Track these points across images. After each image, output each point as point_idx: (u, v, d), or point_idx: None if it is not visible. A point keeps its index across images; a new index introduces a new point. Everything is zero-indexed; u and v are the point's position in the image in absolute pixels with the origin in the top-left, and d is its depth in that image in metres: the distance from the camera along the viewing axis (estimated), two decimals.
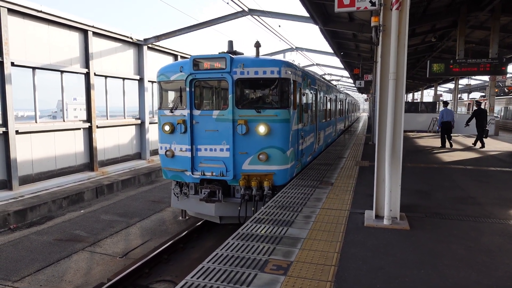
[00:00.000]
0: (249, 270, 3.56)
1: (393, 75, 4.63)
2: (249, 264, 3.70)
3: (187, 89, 7.15)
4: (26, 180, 10.84)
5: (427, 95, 54.12)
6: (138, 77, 15.78)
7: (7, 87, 10.02)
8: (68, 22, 11.95)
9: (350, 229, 4.72)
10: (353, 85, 38.37)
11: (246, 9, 13.87)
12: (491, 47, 14.46)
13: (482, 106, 15.05)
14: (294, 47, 23.88)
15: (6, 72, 9.96)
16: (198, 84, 7.30)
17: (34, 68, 11.07)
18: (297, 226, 4.82)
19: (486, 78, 31.79)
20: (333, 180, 7.71)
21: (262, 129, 6.80)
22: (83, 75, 12.96)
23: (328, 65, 34.47)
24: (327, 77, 34.21)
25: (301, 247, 4.13)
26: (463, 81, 39.85)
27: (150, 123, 16.22)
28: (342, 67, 30.61)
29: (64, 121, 12.46)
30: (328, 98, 13.39)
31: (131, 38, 14.89)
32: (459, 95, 39.75)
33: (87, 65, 12.90)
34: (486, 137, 14.90)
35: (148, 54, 16.04)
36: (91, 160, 13.19)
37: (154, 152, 16.57)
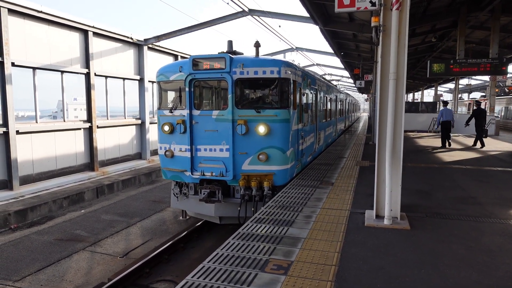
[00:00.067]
0: (250, 269, 3.57)
1: (393, 75, 4.63)
2: (250, 263, 3.70)
3: (187, 89, 7.14)
4: (26, 180, 10.85)
5: (428, 95, 54.11)
6: (138, 77, 15.79)
7: (8, 87, 10.03)
8: (68, 23, 11.96)
9: (350, 229, 4.72)
10: (353, 85, 38.36)
11: (246, 9, 13.87)
12: (491, 47, 14.45)
13: (482, 106, 15.06)
14: (294, 47, 23.88)
15: (6, 72, 9.97)
16: (197, 84, 7.29)
17: (34, 68, 11.08)
18: (298, 226, 4.82)
19: (486, 78, 31.79)
20: (334, 180, 7.71)
21: (262, 129, 6.78)
22: (84, 75, 12.96)
23: (328, 65, 34.48)
24: (328, 77, 34.22)
25: (302, 247, 4.13)
26: (463, 81, 39.87)
27: (150, 123, 16.23)
28: (343, 67, 30.60)
29: (64, 121, 12.47)
30: (328, 98, 13.38)
31: (131, 38, 14.90)
32: (459, 95, 39.73)
33: (87, 65, 12.91)
34: (485, 137, 14.91)
35: (148, 54, 16.05)
36: (91, 160, 13.19)
37: (155, 152, 16.58)
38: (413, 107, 24.36)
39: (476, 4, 13.39)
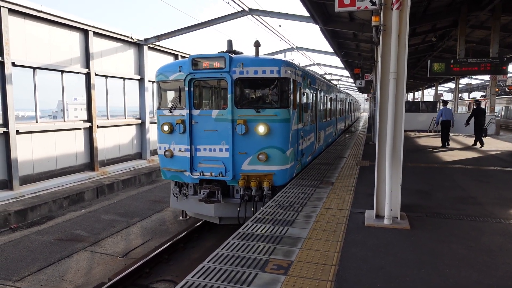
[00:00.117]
0: (250, 269, 3.56)
1: (393, 74, 4.63)
2: (250, 263, 3.70)
3: (186, 88, 7.12)
4: (26, 180, 10.85)
5: (428, 95, 54.10)
6: (138, 77, 15.79)
7: (8, 87, 10.03)
8: (68, 22, 11.96)
9: (350, 229, 4.72)
10: (354, 84, 38.34)
11: (247, 9, 13.87)
12: (492, 47, 14.45)
13: (482, 106, 15.08)
14: (295, 47, 23.86)
15: (6, 72, 9.98)
16: (197, 83, 7.26)
17: (34, 68, 11.08)
18: (298, 226, 4.82)
19: (486, 77, 31.78)
20: (334, 179, 7.70)
21: (261, 129, 6.75)
22: (84, 75, 12.97)
23: (328, 64, 34.47)
24: (328, 77, 34.18)
25: (302, 247, 4.13)
26: (463, 81, 39.80)
27: (150, 123, 16.23)
28: (343, 66, 30.59)
29: (64, 121, 12.47)
30: (328, 97, 13.37)
31: (131, 38, 14.90)
32: (459, 95, 39.72)
33: (87, 65, 12.91)
34: (485, 136, 14.92)
35: (148, 54, 16.05)
36: (91, 160, 13.20)
37: (155, 152, 16.58)
38: (413, 107, 24.35)
39: (477, 4, 13.39)
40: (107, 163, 14.12)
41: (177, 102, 7.37)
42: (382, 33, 4.74)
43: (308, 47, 25.16)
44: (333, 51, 21.73)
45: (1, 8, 9.84)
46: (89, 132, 13.14)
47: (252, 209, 6.93)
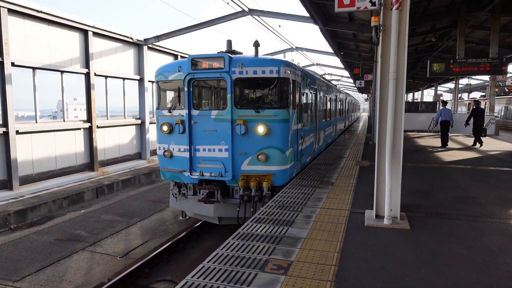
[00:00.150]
0: (250, 269, 3.56)
1: (393, 75, 4.63)
2: (250, 263, 3.70)
3: (185, 89, 7.10)
4: (26, 180, 10.84)
5: (427, 95, 54.12)
6: (138, 77, 15.79)
7: (7, 87, 10.03)
8: (68, 22, 11.96)
9: (350, 229, 4.72)
10: (353, 85, 38.36)
11: (246, 9, 13.87)
12: (491, 47, 14.46)
13: (482, 106, 15.12)
14: (294, 47, 23.87)
15: (6, 72, 9.97)
16: (196, 84, 7.25)
17: (34, 68, 11.07)
18: (298, 226, 4.82)
19: (486, 77, 31.79)
20: (333, 180, 7.70)
21: (261, 129, 6.74)
22: (83, 75, 12.96)
23: (328, 65, 34.47)
24: (327, 77, 34.21)
25: (302, 247, 4.13)
26: (463, 81, 39.85)
27: (150, 123, 16.23)
28: (342, 67, 30.60)
29: (64, 121, 12.47)
30: (328, 97, 13.37)
31: (131, 38, 14.90)
32: (459, 95, 39.75)
33: (87, 65, 12.91)
34: (484, 136, 14.96)
35: (148, 54, 16.04)
36: (91, 160, 13.19)
37: (154, 152, 16.56)
38: (413, 107, 24.35)
39: (476, 4, 13.39)
40: (107, 163, 14.12)
41: (177, 102, 7.36)
42: (381, 34, 4.74)
43: (308, 47, 25.18)
44: (332, 52, 21.74)
45: (1, 8, 9.83)
46: (89, 132, 13.13)
47: (252, 210, 6.92)
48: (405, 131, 5.47)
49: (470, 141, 15.33)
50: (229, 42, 7.65)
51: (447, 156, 11.68)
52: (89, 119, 13.13)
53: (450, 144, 14.35)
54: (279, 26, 18.57)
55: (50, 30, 11.54)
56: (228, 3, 12.60)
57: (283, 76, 6.84)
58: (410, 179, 7.67)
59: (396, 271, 3.57)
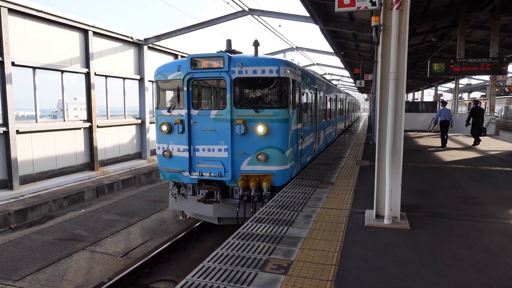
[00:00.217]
0: (250, 269, 3.57)
1: (393, 74, 4.63)
2: (250, 263, 3.70)
3: (185, 88, 7.08)
4: (26, 179, 10.85)
5: (428, 95, 54.13)
6: (138, 77, 15.79)
7: (8, 87, 10.03)
8: (68, 22, 11.96)
9: (350, 229, 4.72)
10: (354, 84, 38.35)
11: (247, 9, 13.87)
12: (492, 47, 14.46)
13: (482, 106, 15.15)
14: (295, 47, 23.86)
15: (6, 72, 9.98)
16: (196, 83, 7.23)
17: (34, 68, 11.08)
18: (298, 226, 4.82)
19: (486, 77, 31.79)
20: (334, 179, 7.70)
21: (260, 129, 6.71)
22: (84, 75, 12.97)
23: (328, 64, 34.46)
24: (328, 77, 34.19)
25: (302, 247, 4.13)
26: (463, 81, 39.83)
27: (150, 122, 16.23)
28: (343, 66, 30.60)
29: (64, 120, 12.47)
30: (328, 97, 13.37)
31: (131, 38, 14.90)
32: (459, 95, 39.74)
33: (87, 65, 12.91)
34: (484, 135, 14.98)
35: (148, 54, 16.05)
36: (91, 160, 13.20)
37: (155, 152, 16.43)
38: (413, 107, 24.36)
39: (476, 4, 13.39)
40: (107, 163, 14.12)
41: (176, 102, 7.34)
42: (382, 33, 4.74)
43: (308, 47, 25.18)
44: (333, 51, 21.74)
45: (1, 7, 9.83)
46: (89, 131, 13.14)
47: (251, 210, 6.90)
48: (405, 131, 5.47)
49: (470, 141, 15.33)
50: (229, 42, 7.64)
51: (447, 156, 11.68)
52: (89, 118, 13.14)
53: (451, 144, 14.37)
54: (279, 26, 18.64)
55: (50, 29, 11.54)
56: (228, 2, 12.60)
57: (283, 75, 6.82)
58: (410, 179, 7.67)
59: (396, 271, 3.57)
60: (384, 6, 4.71)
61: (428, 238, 4.42)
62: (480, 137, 14.25)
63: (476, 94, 48.98)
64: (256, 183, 6.88)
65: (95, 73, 13.17)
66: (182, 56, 18.11)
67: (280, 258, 3.84)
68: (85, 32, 12.77)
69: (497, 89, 26.30)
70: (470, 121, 14.27)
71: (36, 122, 11.32)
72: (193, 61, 6.98)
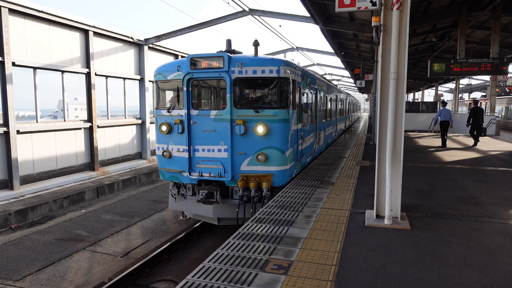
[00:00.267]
0: (250, 269, 3.57)
1: (393, 75, 4.63)
2: (250, 263, 3.70)
3: (185, 88, 7.07)
4: (27, 180, 10.86)
5: (428, 95, 54.13)
6: (138, 77, 15.80)
7: (8, 87, 10.04)
8: (69, 22, 11.97)
9: (351, 229, 4.72)
10: (354, 85, 38.36)
11: (247, 9, 13.88)
12: (492, 47, 14.45)
13: (482, 106, 15.17)
14: (295, 47, 23.87)
15: (7, 72, 9.99)
16: (195, 83, 7.22)
17: (35, 68, 11.09)
18: (298, 226, 4.82)
19: (487, 78, 31.79)
20: (334, 180, 7.70)
21: (260, 129, 6.69)
22: (84, 75, 12.98)
23: (328, 65, 34.48)
24: (328, 77, 34.20)
25: (302, 247, 4.13)
26: (464, 81, 39.88)
27: (150, 123, 16.25)
28: (343, 67, 30.61)
29: (65, 121, 12.48)
30: (328, 97, 13.36)
31: (131, 38, 14.91)
32: (460, 95, 39.74)
33: (88, 65, 12.92)
34: (484, 135, 14.99)
35: (148, 54, 16.06)
36: (92, 160, 13.21)
37: (155, 152, 16.51)
38: (413, 107, 24.36)
39: (477, 4, 13.39)
40: (107, 163, 14.13)
41: (176, 102, 7.33)
42: (382, 34, 4.74)
43: (308, 47, 25.18)
44: (333, 52, 21.74)
45: (2, 8, 9.85)
46: (90, 132, 13.15)
47: (251, 210, 6.89)
48: (405, 131, 5.47)
49: (470, 141, 15.32)
50: (229, 42, 7.63)
51: (448, 156, 11.67)
52: (90, 119, 13.15)
53: (451, 145, 14.37)
54: (280, 26, 18.61)
55: (51, 30, 11.55)
56: (228, 3, 12.61)
57: (283, 75, 6.80)
58: (411, 179, 7.67)
59: (396, 271, 3.57)
60: (384, 6, 4.71)
61: (428, 238, 4.42)
62: (480, 137, 14.26)
63: (477, 94, 48.98)
64: (256, 184, 6.86)
65: (95, 73, 13.18)
66: (182, 56, 18.12)
67: (281, 258, 3.84)
68: (85, 32, 12.79)
69: (497, 89, 26.31)
70: (471, 121, 14.29)
71: (37, 122, 11.34)
72: (193, 61, 6.97)
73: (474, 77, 37.25)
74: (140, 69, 15.87)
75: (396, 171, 4.80)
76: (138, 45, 15.66)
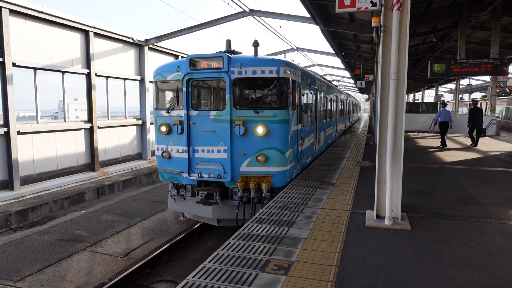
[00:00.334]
0: (250, 270, 3.57)
1: (394, 75, 4.63)
2: (250, 264, 3.70)
3: (184, 89, 7.05)
4: (27, 180, 10.86)
5: (428, 96, 54.10)
6: (139, 78, 15.81)
7: (9, 87, 10.05)
8: (69, 23, 11.99)
9: (351, 229, 4.72)
10: (354, 85, 38.36)
11: (247, 10, 13.89)
12: (492, 48, 14.44)
13: (482, 106, 15.20)
14: (295, 48, 23.88)
15: (7, 72, 10.00)
16: (195, 84, 7.20)
17: (35, 69, 11.10)
18: (298, 226, 4.82)
19: (487, 78, 31.78)
20: (334, 180, 7.70)
21: (260, 130, 6.67)
22: (84, 76, 12.99)
23: (329, 65, 34.51)
24: (328, 78, 34.23)
25: (302, 247, 4.13)
26: (464, 82, 39.85)
27: (151, 123, 16.25)
28: (343, 67, 30.61)
29: (65, 121, 12.49)
30: (328, 98, 13.36)
31: (132, 38, 14.93)
32: (460, 96, 39.72)
33: (88, 66, 12.94)
34: (483, 136, 15.00)
35: (149, 55, 16.07)
36: (92, 161, 13.21)
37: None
38: (413, 108, 24.38)
39: (477, 4, 13.39)
40: (108, 164, 14.14)
41: (175, 102, 7.31)
42: (382, 34, 4.75)
43: (309, 48, 25.20)
44: (333, 52, 21.75)
45: (2, 8, 9.86)
46: (90, 132, 13.15)
47: (251, 211, 6.86)
48: (406, 131, 5.47)
49: (470, 141, 15.31)
50: (228, 42, 7.61)
51: (448, 156, 11.67)
52: (90, 119, 13.15)
53: (451, 145, 14.38)
54: (280, 26, 18.56)
55: (51, 30, 11.56)
56: (229, 3, 12.61)
57: (282, 76, 6.79)
58: (411, 180, 7.66)
59: (397, 271, 3.57)
60: (384, 7, 4.71)
61: (428, 238, 4.42)
62: (480, 138, 14.26)
63: (477, 95, 48.97)
64: (256, 185, 6.83)
65: (96, 74, 13.19)
66: (182, 57, 18.12)
67: (281, 258, 3.84)
68: (86, 33, 12.80)
69: (497, 90, 26.31)
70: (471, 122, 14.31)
71: (37, 123, 11.35)
72: (192, 61, 6.95)
73: (475, 77, 37.21)
74: (141, 69, 15.88)
75: (397, 171, 4.80)
76: (139, 46, 15.67)
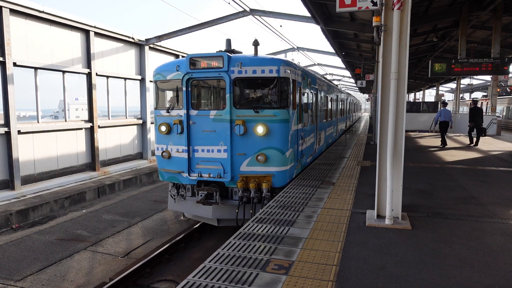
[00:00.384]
0: (251, 269, 3.57)
1: (394, 75, 4.63)
2: (251, 263, 3.70)
3: (184, 88, 7.03)
4: (28, 180, 10.87)
5: (429, 95, 54.05)
6: (139, 77, 15.82)
7: (9, 87, 10.06)
8: (69, 23, 11.99)
9: (351, 229, 4.72)
10: (355, 85, 38.34)
11: (248, 9, 13.88)
12: (493, 47, 14.44)
13: (482, 106, 15.19)
14: (296, 47, 23.87)
15: (8, 72, 10.00)
16: (195, 83, 7.18)
17: (36, 68, 11.11)
18: (299, 226, 4.82)
19: (488, 78, 31.76)
20: (335, 180, 7.70)
21: (260, 129, 6.64)
22: (85, 75, 12.99)
23: (329, 65, 34.50)
24: (329, 77, 34.18)
25: (303, 247, 4.13)
26: (465, 81, 39.79)
27: (151, 123, 16.25)
28: (344, 67, 30.61)
29: (66, 121, 12.49)
30: (329, 97, 13.35)
31: (132, 38, 14.93)
32: (461, 95, 39.69)
33: (88, 65, 12.94)
34: (484, 135, 15.01)
35: (149, 54, 16.07)
36: (92, 160, 13.22)
37: None
38: (414, 107, 24.34)
39: (478, 4, 13.38)
40: (108, 163, 14.15)
41: (175, 102, 7.28)
42: (383, 33, 4.74)
43: (309, 47, 25.18)
44: (334, 52, 21.74)
45: (3, 8, 9.87)
46: (90, 132, 13.16)
47: (251, 211, 6.85)
48: (406, 131, 5.47)
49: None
50: (228, 41, 7.59)
51: (449, 156, 11.66)
52: (91, 119, 13.16)
53: (452, 144, 14.38)
54: (281, 26, 18.56)
55: (52, 30, 11.57)
56: (229, 3, 12.60)
57: (283, 75, 6.77)
58: (412, 179, 7.66)
59: (397, 271, 3.57)
60: (385, 6, 4.71)
61: (429, 238, 4.42)
62: (481, 137, 14.26)
63: (478, 94, 48.93)
64: (256, 184, 6.81)
65: (96, 73, 13.19)
66: (183, 57, 18.11)
67: (281, 258, 3.84)
68: (86, 32, 12.80)
69: (498, 89, 26.28)
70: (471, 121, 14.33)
71: (38, 122, 11.35)
72: (192, 61, 6.93)
73: (475, 77, 37.20)
74: (141, 69, 15.88)
75: (397, 171, 4.80)
76: (139, 45, 15.67)
